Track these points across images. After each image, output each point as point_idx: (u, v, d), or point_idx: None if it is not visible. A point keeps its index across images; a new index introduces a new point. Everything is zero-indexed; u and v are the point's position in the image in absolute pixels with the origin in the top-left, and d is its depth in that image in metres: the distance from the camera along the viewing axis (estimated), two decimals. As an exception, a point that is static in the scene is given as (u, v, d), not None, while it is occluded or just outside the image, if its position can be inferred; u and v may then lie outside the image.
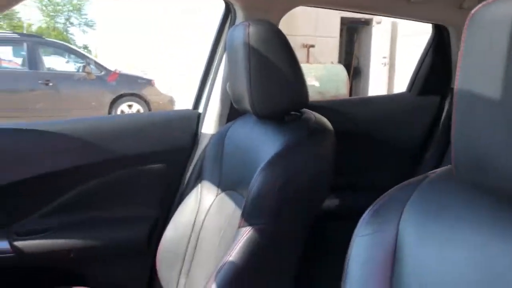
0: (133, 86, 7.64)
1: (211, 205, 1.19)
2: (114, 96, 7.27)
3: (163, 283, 1.24)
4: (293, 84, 1.01)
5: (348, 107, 1.61)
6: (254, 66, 0.99)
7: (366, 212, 0.64)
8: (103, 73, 7.54)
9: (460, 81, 0.51)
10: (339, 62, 9.00)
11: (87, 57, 8.00)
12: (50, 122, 1.38)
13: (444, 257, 0.54)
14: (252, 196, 0.92)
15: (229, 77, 1.14)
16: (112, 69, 7.92)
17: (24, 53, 7.14)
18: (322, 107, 1.50)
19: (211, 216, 1.18)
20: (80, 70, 7.51)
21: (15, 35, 7.51)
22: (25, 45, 7.09)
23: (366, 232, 0.62)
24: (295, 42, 8.64)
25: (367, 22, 9.23)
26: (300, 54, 8.54)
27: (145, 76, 8.83)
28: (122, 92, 7.38)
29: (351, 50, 9.84)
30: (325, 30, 8.93)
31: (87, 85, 7.31)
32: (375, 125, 1.60)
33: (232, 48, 1.06)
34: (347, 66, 8.75)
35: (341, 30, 9.39)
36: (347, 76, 8.06)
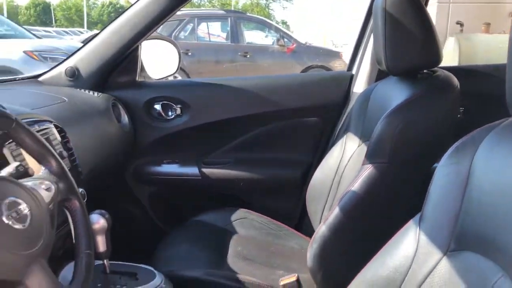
0: (321, 58, 7.97)
1: (352, 154, 1.37)
2: (302, 68, 7.71)
3: (310, 215, 1.49)
4: (425, 44, 1.12)
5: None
6: (389, 27, 1.13)
7: (451, 147, 0.77)
8: (294, 46, 8.05)
9: None
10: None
11: (281, 31, 8.60)
12: (236, 78, 1.74)
13: (501, 175, 0.65)
14: (374, 138, 1.09)
15: (373, 39, 1.29)
16: (303, 42, 8.38)
17: (228, 28, 8.08)
18: (476, 71, 1.53)
19: (351, 162, 1.37)
20: (275, 43, 8.16)
21: (222, 12, 8.47)
22: (229, 20, 8.01)
23: (447, 162, 0.76)
24: (500, 11, 7.79)
25: None
26: (506, 24, 7.68)
27: (334, 49, 9.08)
28: (310, 64, 7.78)
29: None
30: (543, -5, 7.82)
31: (280, 57, 7.92)
32: None
33: (375, 13, 1.22)
34: None
35: None
36: None
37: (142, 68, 1.65)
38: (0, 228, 0.62)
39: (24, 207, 0.67)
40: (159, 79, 1.71)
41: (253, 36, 8.52)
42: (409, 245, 0.76)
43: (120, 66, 1.56)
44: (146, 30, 1.50)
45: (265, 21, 9.18)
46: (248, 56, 7.78)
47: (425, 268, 0.72)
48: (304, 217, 1.62)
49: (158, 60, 1.68)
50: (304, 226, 1.61)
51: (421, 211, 0.78)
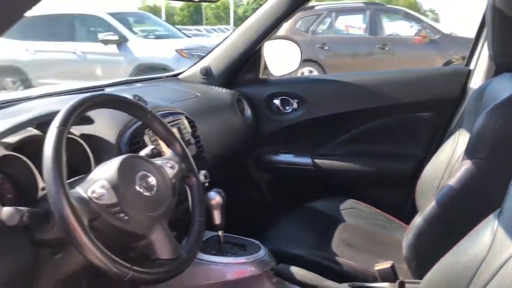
0: (466, 50, 7.37)
1: (464, 150, 1.37)
2: (444, 61, 7.24)
3: (419, 209, 1.50)
4: None
5: None
6: (497, 21, 1.10)
7: None
8: (437, 36, 7.59)
9: None
10: None
11: (423, 22, 8.17)
12: (350, 74, 1.82)
13: None
14: (474, 134, 1.09)
15: (487, 34, 1.27)
16: (448, 32, 7.86)
17: (367, 20, 7.93)
18: None
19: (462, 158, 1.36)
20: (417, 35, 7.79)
21: (361, 4, 8.34)
22: (368, 12, 7.87)
23: None
24: None
25: None
26: None
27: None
28: (454, 56, 7.26)
29: None
30: None
31: (421, 49, 7.52)
32: None
33: (487, 8, 1.20)
34: None
35: None
36: None
37: (265, 66, 1.82)
38: (134, 194, 0.83)
39: (152, 179, 0.87)
40: (281, 76, 1.86)
41: (394, 28, 8.22)
42: (486, 236, 0.80)
43: (246, 65, 1.76)
44: (268, 31, 1.66)
45: (405, 11, 8.78)
46: (387, 48, 7.55)
47: (500, 258, 0.76)
48: (414, 211, 1.64)
49: (280, 58, 1.83)
50: (413, 220, 1.64)
51: (502, 205, 0.80)
